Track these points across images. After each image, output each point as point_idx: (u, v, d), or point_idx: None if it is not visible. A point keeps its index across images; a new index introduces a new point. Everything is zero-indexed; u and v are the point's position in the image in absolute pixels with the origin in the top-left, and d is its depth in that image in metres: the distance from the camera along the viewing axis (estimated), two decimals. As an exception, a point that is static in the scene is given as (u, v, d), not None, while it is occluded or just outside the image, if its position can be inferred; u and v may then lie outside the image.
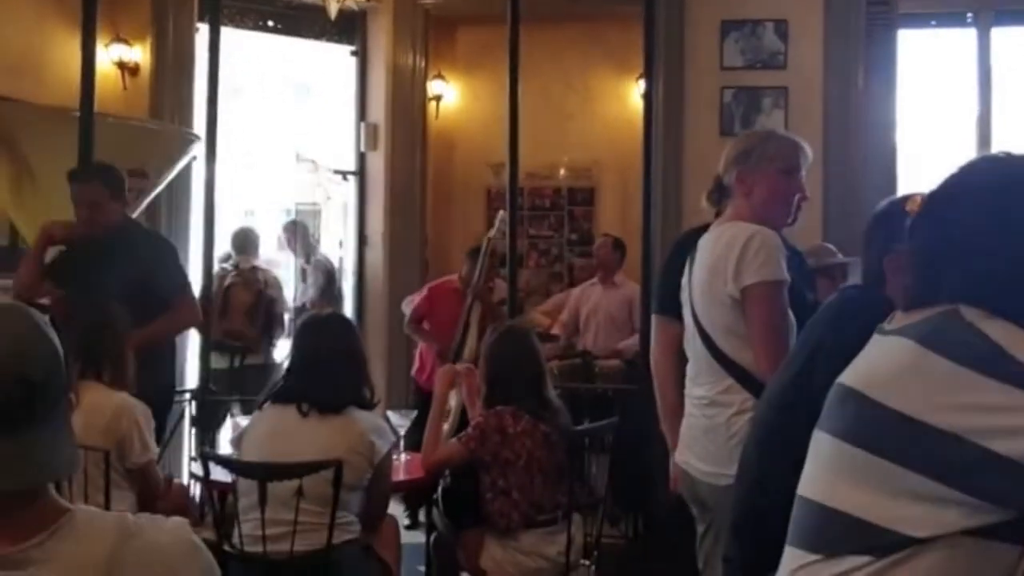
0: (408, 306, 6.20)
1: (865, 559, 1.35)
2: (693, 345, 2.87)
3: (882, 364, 1.44)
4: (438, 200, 8.10)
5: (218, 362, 5.90)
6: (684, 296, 2.93)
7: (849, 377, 1.46)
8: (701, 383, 2.83)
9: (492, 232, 5.62)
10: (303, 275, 7.12)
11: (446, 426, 4.36)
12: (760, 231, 2.69)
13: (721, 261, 2.71)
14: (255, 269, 6.54)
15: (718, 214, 2.98)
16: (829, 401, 1.49)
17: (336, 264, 7.47)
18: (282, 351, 6.51)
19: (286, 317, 6.71)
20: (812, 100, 6.50)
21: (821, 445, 1.48)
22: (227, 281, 6.33)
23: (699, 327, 2.82)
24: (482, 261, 5.52)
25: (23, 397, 1.20)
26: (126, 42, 6.01)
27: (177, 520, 1.29)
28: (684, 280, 2.94)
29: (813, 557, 1.42)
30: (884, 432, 1.36)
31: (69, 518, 1.19)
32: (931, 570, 1.31)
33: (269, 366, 6.36)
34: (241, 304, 6.31)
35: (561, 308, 7.18)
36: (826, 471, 1.45)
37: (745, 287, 2.65)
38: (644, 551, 5.45)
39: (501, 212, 5.66)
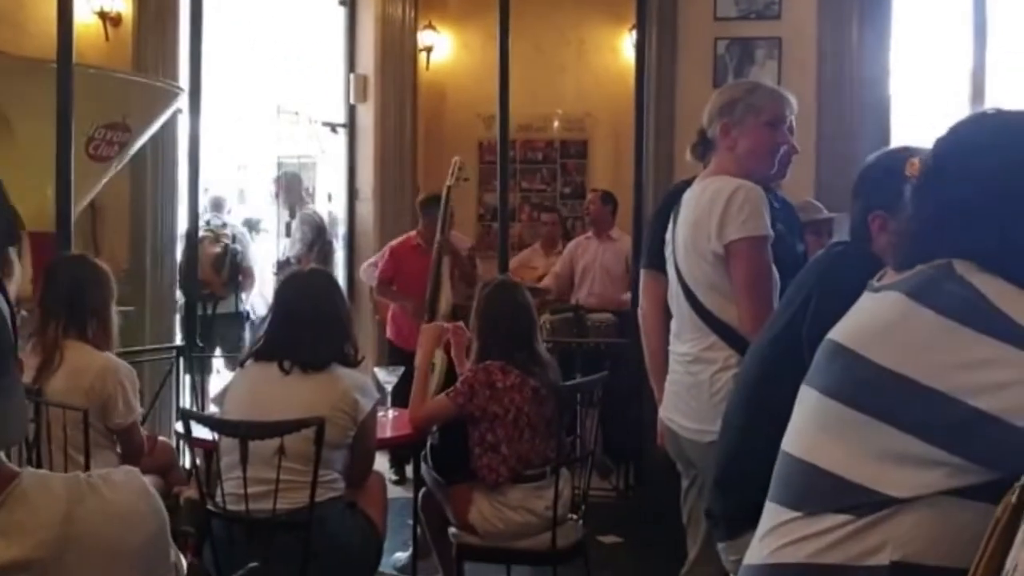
0: (369, 272, 6.17)
1: (845, 518, 1.34)
2: (677, 301, 2.84)
3: (871, 320, 1.42)
4: (429, 153, 8.00)
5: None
6: (668, 252, 2.89)
7: (838, 333, 1.45)
8: (685, 340, 2.80)
9: (450, 180, 5.51)
10: (287, 229, 7.13)
11: (432, 384, 4.34)
12: (744, 185, 2.64)
13: (704, 216, 2.67)
14: (225, 225, 7.02)
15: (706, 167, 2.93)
16: (817, 357, 1.48)
17: (326, 218, 7.43)
18: (250, 302, 7.04)
19: (255, 269, 7.17)
20: (806, 51, 6.45)
21: (807, 401, 1.47)
22: (199, 235, 6.56)
23: (683, 283, 2.78)
24: (443, 212, 5.45)
25: None
26: (108, -8, 5.89)
27: (126, 471, 1.25)
28: (668, 235, 2.90)
29: (793, 514, 1.42)
30: (872, 389, 1.35)
31: (17, 485, 1.14)
32: (910, 529, 1.31)
33: (238, 315, 6.86)
34: (209, 256, 6.71)
35: (526, 265, 7.07)
36: (811, 427, 1.45)
37: (729, 243, 2.61)
38: (632, 505, 5.47)
39: (456, 158, 5.57)
